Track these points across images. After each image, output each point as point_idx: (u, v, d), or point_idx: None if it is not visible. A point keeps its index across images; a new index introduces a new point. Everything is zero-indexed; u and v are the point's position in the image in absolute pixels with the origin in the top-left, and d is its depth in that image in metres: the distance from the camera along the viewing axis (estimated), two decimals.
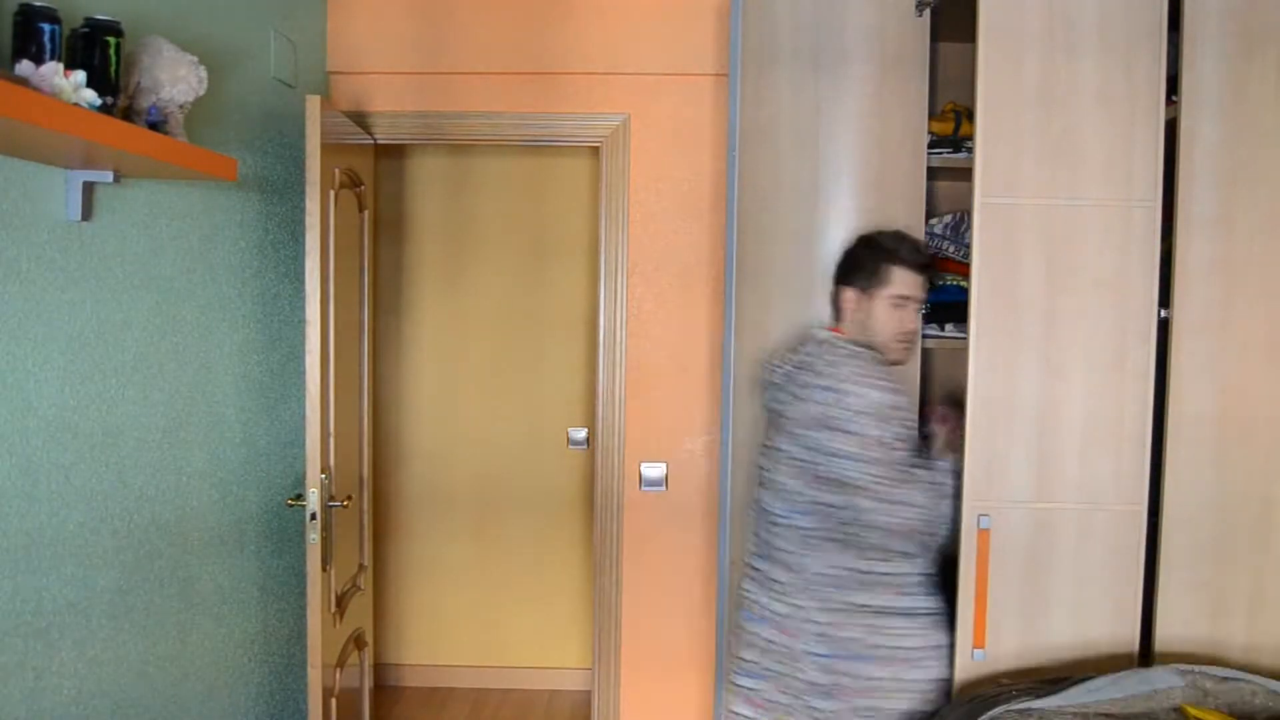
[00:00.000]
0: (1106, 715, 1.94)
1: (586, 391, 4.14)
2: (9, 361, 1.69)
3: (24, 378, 1.73)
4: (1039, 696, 2.00)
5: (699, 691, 3.21)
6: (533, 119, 3.17)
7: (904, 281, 2.13)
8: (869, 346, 2.14)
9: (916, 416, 2.33)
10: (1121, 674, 2.03)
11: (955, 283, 2.61)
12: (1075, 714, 1.94)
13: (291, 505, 2.71)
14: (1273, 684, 2.01)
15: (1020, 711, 1.95)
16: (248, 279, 2.57)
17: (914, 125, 2.46)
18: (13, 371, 1.70)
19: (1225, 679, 2.00)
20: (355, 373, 3.00)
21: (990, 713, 1.97)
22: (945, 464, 2.19)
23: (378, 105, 3.19)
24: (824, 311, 2.48)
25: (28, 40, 1.52)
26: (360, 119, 3.15)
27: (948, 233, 2.69)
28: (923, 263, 2.15)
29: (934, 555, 2.19)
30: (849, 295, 2.17)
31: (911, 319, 2.15)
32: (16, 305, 1.70)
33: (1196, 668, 2.04)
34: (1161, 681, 1.99)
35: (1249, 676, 2.02)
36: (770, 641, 2.16)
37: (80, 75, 1.55)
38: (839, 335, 2.18)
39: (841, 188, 2.47)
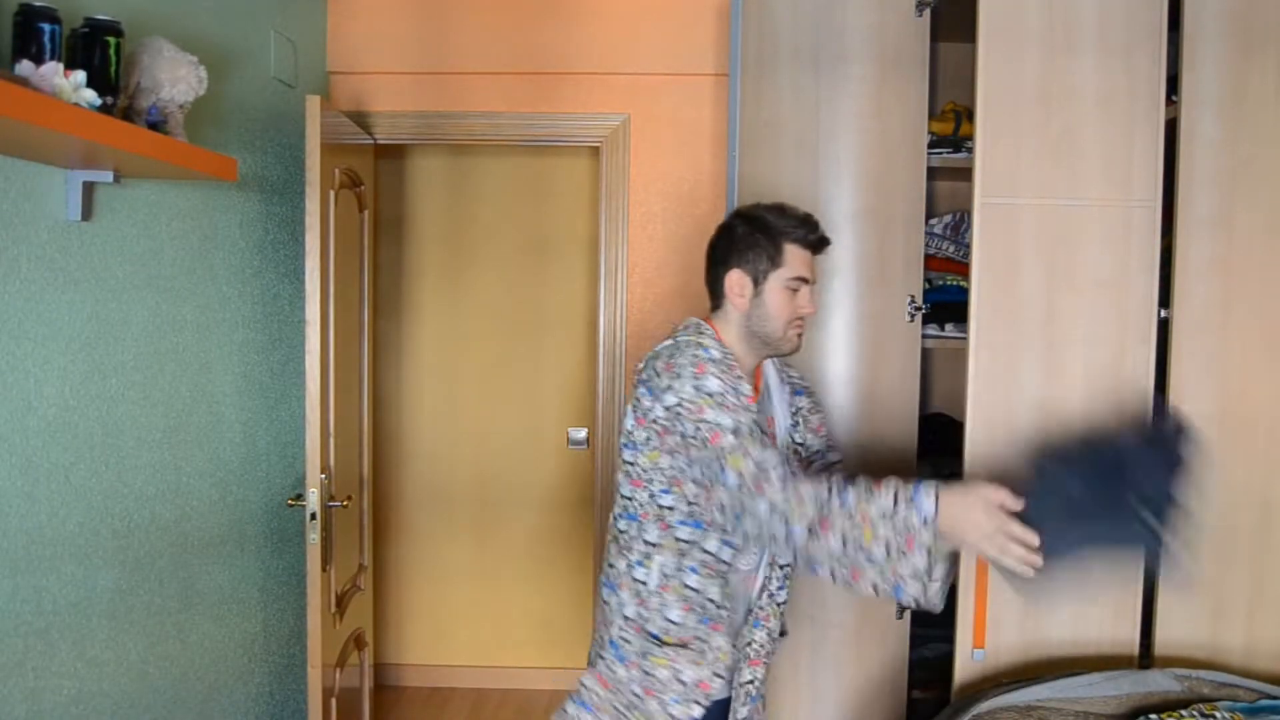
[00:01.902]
0: (1100, 715, 1.94)
1: (586, 391, 4.14)
2: (9, 361, 1.69)
3: (24, 378, 1.73)
4: (1030, 686, 2.01)
5: None
6: (533, 119, 3.17)
7: (800, 261, 1.87)
8: (760, 335, 1.88)
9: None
10: (1118, 673, 2.04)
11: (955, 283, 2.61)
12: (1070, 711, 1.94)
13: (291, 505, 2.71)
14: (1271, 688, 2.01)
15: (1020, 709, 1.95)
16: (248, 279, 2.57)
17: (914, 125, 2.46)
18: (13, 371, 1.70)
19: (1222, 685, 2.01)
20: (355, 373, 3.00)
21: (984, 705, 1.97)
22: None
23: (378, 105, 3.19)
24: (822, 307, 2.48)
25: (28, 40, 1.52)
26: (360, 119, 3.15)
27: (948, 233, 2.69)
28: (817, 240, 1.89)
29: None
30: (735, 279, 1.87)
31: (806, 301, 1.88)
32: (16, 305, 1.70)
33: (1194, 673, 2.04)
34: (1157, 685, 2.00)
35: (1246, 682, 2.02)
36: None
37: (80, 75, 1.55)
38: (708, 325, 1.90)
39: (841, 188, 2.47)
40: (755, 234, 1.87)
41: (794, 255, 1.86)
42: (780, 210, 1.90)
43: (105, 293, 1.96)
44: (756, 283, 1.86)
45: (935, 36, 2.50)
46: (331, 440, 2.68)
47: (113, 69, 1.70)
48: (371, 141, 3.18)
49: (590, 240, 4.10)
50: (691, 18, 3.10)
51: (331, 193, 2.65)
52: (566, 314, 4.16)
